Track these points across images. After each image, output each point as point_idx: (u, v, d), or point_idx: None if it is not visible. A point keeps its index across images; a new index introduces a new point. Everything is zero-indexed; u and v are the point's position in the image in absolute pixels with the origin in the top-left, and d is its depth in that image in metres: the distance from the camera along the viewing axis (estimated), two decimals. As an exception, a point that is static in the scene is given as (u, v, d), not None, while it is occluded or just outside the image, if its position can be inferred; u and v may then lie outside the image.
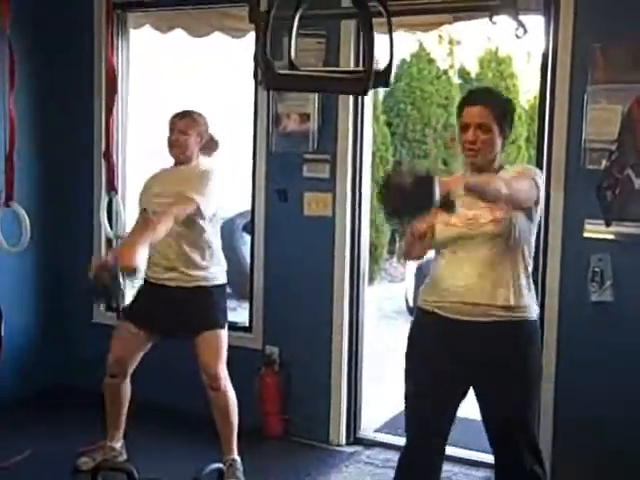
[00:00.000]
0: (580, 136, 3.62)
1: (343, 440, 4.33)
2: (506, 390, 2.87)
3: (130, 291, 4.03)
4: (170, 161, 3.83)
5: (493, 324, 2.83)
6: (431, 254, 3.01)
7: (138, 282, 3.80)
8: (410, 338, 3.01)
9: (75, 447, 3.99)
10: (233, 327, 3.93)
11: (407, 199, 2.35)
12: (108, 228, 4.54)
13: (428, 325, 2.95)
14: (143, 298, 3.86)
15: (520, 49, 9.23)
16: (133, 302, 3.93)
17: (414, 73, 9.92)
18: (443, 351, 2.89)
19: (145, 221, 3.67)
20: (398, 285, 8.97)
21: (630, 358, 3.61)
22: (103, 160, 4.65)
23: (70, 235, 4.90)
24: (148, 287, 3.82)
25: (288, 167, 4.27)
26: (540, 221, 3.08)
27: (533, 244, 2.94)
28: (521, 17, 3.42)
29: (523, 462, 2.89)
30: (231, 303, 4.08)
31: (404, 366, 3.00)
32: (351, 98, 4.11)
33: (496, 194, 2.68)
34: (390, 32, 1.95)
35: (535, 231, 2.94)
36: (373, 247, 8.48)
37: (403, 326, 6.63)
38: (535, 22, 3.68)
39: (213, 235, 3.78)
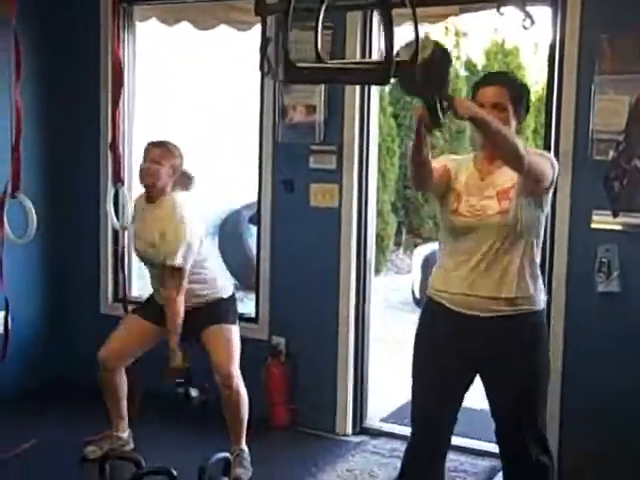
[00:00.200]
0: (587, 127, 3.62)
1: (349, 430, 4.34)
2: (513, 382, 2.87)
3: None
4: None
5: (497, 319, 2.82)
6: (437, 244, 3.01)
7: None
8: (419, 328, 3.01)
9: (82, 437, 4.03)
10: (240, 318, 3.94)
11: (426, 68, 2.16)
12: (115, 219, 4.54)
13: (436, 317, 2.95)
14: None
15: (527, 40, 9.17)
16: (145, 302, 4.02)
17: (420, 65, 9.86)
18: (450, 345, 2.90)
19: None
20: (405, 276, 8.97)
21: (637, 348, 3.61)
22: (109, 152, 4.65)
23: (76, 226, 4.92)
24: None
25: (294, 158, 4.27)
26: (548, 212, 3.07)
27: (542, 234, 2.92)
28: (528, 8, 3.40)
29: (529, 452, 2.89)
30: (238, 294, 4.09)
31: (412, 358, 3.00)
32: (357, 90, 4.11)
33: (515, 150, 2.61)
34: (415, 22, 1.92)
35: (544, 221, 2.91)
36: (379, 238, 8.47)
37: (409, 317, 6.69)
38: (542, 13, 3.66)
39: (206, 257, 3.82)
